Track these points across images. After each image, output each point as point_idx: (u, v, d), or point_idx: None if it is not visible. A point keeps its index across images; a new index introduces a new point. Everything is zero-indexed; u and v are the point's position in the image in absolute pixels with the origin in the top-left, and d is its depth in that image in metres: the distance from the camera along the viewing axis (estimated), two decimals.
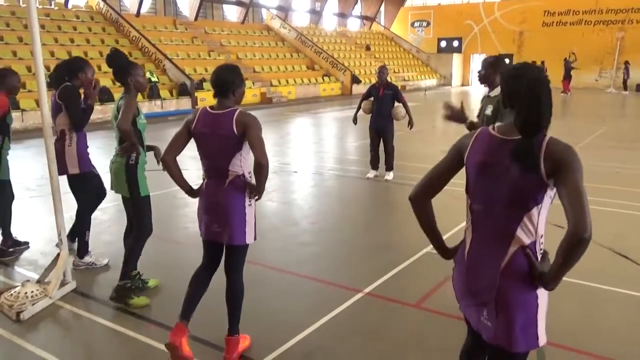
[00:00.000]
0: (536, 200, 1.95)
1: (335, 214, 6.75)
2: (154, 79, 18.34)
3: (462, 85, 35.05)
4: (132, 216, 4.20)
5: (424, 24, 36.70)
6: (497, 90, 4.41)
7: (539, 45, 31.15)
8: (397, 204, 7.30)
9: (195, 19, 24.16)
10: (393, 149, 8.29)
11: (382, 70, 8.19)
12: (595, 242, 5.15)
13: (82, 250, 4.81)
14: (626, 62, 27.02)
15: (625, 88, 27.13)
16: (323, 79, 26.10)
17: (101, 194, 4.96)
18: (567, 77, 25.74)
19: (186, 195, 3.31)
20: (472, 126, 3.82)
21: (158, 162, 3.61)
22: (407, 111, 8.08)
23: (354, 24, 35.36)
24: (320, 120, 17.15)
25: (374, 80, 8.55)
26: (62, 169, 4.49)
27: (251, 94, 21.45)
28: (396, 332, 3.70)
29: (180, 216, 6.45)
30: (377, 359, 3.38)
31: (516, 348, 2.01)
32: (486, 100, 4.56)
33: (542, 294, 2.02)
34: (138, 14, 22.12)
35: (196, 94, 19.17)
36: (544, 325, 2.04)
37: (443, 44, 36.02)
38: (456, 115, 3.72)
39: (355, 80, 26.19)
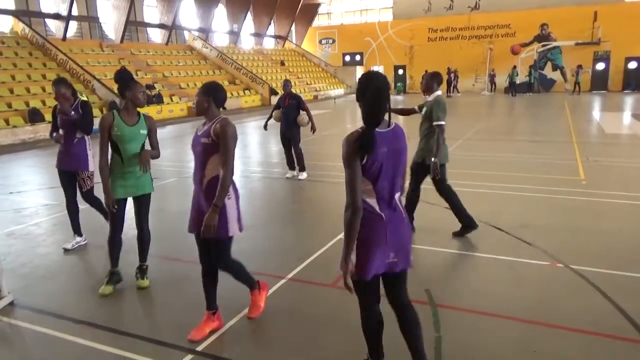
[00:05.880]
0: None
1: (261, 211, 6.71)
2: (84, 98, 17.26)
3: None
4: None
5: (330, 41, 37.34)
6: (433, 96, 5.05)
7: (426, 57, 32.71)
8: (312, 200, 7.40)
9: (121, 41, 23.04)
10: (300, 151, 8.29)
11: (286, 83, 8.28)
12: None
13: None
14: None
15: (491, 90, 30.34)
16: (244, 92, 25.81)
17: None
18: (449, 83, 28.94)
19: None
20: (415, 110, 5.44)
21: None
22: (310, 118, 8.18)
23: (269, 43, 35.23)
24: (244, 129, 16.96)
25: None
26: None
27: (179, 108, 20.84)
28: (315, 310, 3.77)
29: None
30: (299, 334, 3.43)
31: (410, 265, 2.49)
32: (426, 102, 5.12)
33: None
34: (64, 38, 20.73)
35: None
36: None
37: (347, 58, 36.88)
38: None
39: (273, 92, 26.11)
